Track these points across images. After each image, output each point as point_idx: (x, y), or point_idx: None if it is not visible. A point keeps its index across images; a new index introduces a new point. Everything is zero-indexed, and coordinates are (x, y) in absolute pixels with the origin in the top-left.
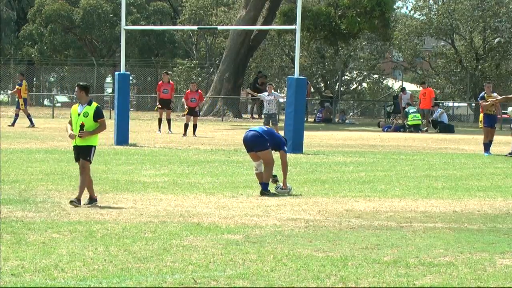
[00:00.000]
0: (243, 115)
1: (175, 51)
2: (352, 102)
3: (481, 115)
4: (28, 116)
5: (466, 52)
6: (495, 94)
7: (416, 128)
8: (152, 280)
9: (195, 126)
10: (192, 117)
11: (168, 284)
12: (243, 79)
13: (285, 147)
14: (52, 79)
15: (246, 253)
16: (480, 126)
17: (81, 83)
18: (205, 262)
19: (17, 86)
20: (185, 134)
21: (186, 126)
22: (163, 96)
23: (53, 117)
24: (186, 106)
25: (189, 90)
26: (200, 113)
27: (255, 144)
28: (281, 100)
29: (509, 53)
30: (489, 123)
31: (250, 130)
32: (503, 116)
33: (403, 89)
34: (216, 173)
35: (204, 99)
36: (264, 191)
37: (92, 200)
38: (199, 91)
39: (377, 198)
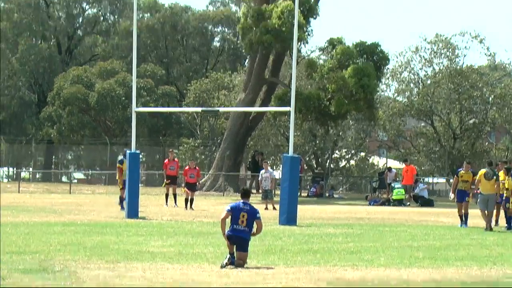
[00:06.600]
0: None
1: (181, 131)
2: (341, 178)
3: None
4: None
5: (444, 132)
6: (471, 170)
7: (399, 202)
8: None
9: (192, 200)
10: (190, 192)
11: None
12: (242, 156)
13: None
14: (70, 157)
15: None
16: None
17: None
18: None
19: (118, 164)
20: (186, 208)
21: (186, 200)
22: (170, 172)
23: (70, 193)
24: (183, 183)
25: (188, 167)
26: (198, 187)
27: (243, 246)
28: (277, 176)
29: (483, 132)
30: (460, 198)
31: (241, 231)
32: (476, 191)
33: (389, 169)
34: (218, 244)
35: (206, 176)
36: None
37: None
38: (197, 167)
39: (364, 267)
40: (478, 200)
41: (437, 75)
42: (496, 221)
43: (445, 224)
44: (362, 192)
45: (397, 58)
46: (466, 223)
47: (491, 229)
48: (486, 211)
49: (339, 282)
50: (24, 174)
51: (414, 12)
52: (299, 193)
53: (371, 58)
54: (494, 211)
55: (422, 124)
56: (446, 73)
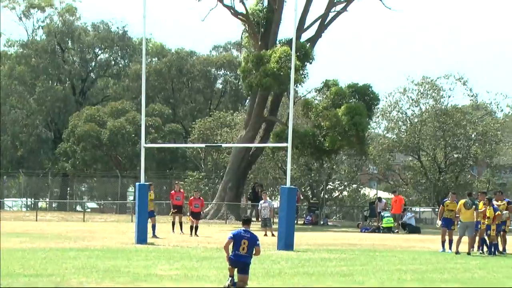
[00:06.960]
0: None
1: (186, 164)
2: (334, 207)
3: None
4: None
5: (430, 166)
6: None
7: (389, 230)
8: None
9: (196, 227)
10: (195, 220)
11: None
12: (243, 188)
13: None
14: (83, 189)
15: None
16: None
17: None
18: None
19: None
20: (191, 235)
21: (191, 228)
22: (176, 202)
23: (84, 221)
24: (188, 212)
25: (192, 197)
26: (202, 216)
27: (244, 269)
28: (275, 205)
29: (466, 166)
30: (445, 225)
31: (242, 256)
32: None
33: (379, 199)
34: (221, 267)
35: (210, 205)
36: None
37: None
38: (201, 198)
39: None
40: (458, 226)
41: (423, 114)
42: (478, 247)
43: (431, 249)
44: (354, 220)
45: (386, 98)
46: (450, 248)
47: (468, 254)
48: (462, 237)
49: None
50: (41, 204)
51: (403, 56)
52: (295, 221)
53: (363, 98)
54: (477, 238)
55: (410, 158)
56: (432, 112)
